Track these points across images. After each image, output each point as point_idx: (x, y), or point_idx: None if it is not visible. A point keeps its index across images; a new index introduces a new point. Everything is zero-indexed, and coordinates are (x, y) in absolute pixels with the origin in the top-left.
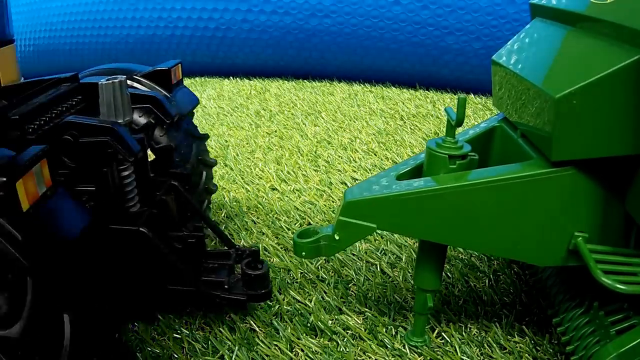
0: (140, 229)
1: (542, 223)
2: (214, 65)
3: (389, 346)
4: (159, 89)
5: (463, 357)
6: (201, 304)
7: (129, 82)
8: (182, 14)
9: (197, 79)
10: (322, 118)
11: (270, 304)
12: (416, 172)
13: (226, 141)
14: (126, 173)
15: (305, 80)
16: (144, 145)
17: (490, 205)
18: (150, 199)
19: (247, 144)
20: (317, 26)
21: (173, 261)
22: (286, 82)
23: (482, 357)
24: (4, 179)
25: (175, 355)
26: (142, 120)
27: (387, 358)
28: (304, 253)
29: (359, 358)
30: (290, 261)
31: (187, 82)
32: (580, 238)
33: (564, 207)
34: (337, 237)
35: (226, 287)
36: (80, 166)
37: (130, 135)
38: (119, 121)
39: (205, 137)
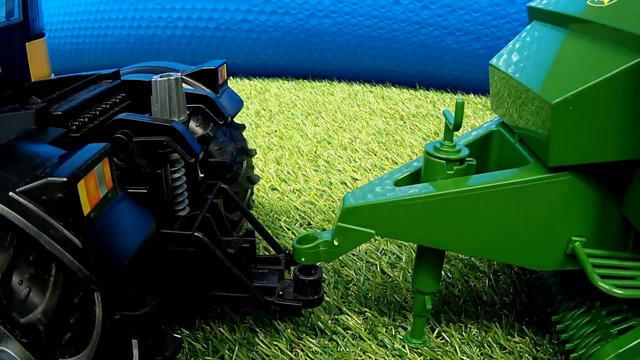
0: (195, 233)
1: (539, 228)
2: None
3: (389, 346)
4: (205, 88)
5: (463, 357)
6: (253, 310)
7: None
8: (182, 14)
9: None
10: (322, 118)
11: None
12: (414, 177)
13: None
14: (177, 175)
15: (305, 80)
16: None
17: (488, 211)
18: (201, 202)
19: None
20: (317, 26)
21: (229, 267)
22: (286, 82)
23: (482, 357)
24: (64, 179)
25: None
26: (200, 130)
27: (387, 358)
28: (303, 259)
29: (359, 358)
30: None
31: None
32: (578, 242)
33: (562, 212)
34: (336, 243)
35: (280, 293)
36: (133, 167)
37: (190, 135)
38: (175, 120)
39: (242, 127)
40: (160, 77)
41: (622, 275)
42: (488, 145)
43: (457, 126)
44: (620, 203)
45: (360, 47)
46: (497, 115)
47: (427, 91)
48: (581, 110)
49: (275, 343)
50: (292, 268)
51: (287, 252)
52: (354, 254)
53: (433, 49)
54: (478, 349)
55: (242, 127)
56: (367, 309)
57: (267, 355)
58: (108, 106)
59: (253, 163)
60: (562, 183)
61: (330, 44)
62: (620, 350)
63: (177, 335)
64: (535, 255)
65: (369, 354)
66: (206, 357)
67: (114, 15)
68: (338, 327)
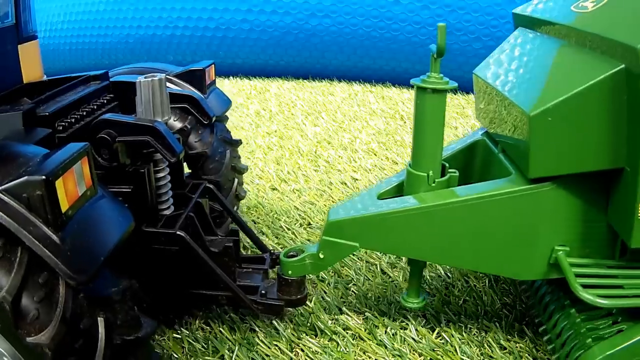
0: (178, 232)
1: (522, 238)
2: None
3: (389, 346)
4: (193, 89)
5: (463, 357)
6: (236, 308)
7: None
8: (182, 14)
9: None
10: (322, 118)
11: None
12: (397, 190)
13: None
14: (161, 174)
15: (305, 80)
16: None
17: (470, 223)
18: (185, 202)
19: (247, 144)
20: (317, 26)
21: (211, 265)
22: (286, 82)
23: (482, 357)
24: (43, 177)
25: (175, 355)
26: (178, 123)
27: (387, 358)
28: (290, 272)
29: (359, 358)
30: None
31: None
32: (561, 252)
33: (544, 222)
34: (321, 256)
35: (263, 292)
36: (116, 166)
37: (172, 135)
38: (159, 120)
39: (239, 142)
40: (145, 78)
41: (607, 284)
42: (473, 156)
43: (440, 52)
44: (605, 211)
45: (360, 47)
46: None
47: None
48: (560, 120)
49: (275, 343)
50: (276, 267)
51: (272, 251)
52: (353, 254)
53: None
54: (478, 349)
55: (225, 118)
56: (367, 309)
57: (267, 355)
58: (95, 107)
59: (240, 153)
60: (544, 194)
61: (330, 44)
62: (607, 353)
63: (153, 320)
64: (519, 265)
65: (369, 354)
66: (206, 357)
67: (114, 15)
68: (338, 327)
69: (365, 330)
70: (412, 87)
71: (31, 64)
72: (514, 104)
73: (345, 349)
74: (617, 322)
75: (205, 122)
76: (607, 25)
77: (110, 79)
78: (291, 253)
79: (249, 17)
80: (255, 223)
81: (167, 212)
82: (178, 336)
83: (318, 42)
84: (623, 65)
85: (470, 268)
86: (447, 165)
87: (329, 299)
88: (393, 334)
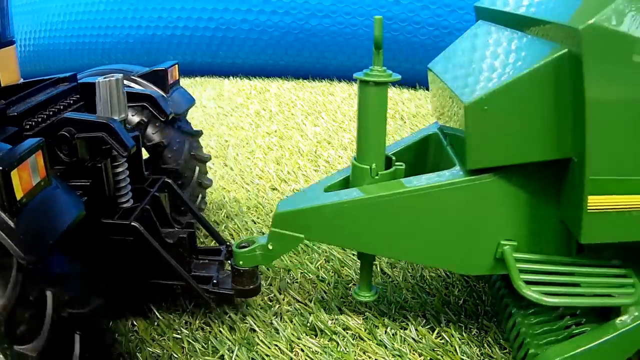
0: (132, 223)
1: (466, 232)
2: (214, 65)
3: (389, 346)
4: (155, 88)
5: (463, 357)
6: (191, 298)
7: (125, 81)
8: (182, 14)
9: (197, 79)
10: (322, 118)
11: (270, 303)
12: (344, 183)
13: (226, 141)
14: (120, 169)
15: (305, 80)
16: (139, 142)
17: (412, 215)
18: (144, 195)
19: (247, 144)
20: (317, 26)
21: (164, 256)
22: (286, 82)
23: (482, 357)
24: (0, 167)
25: (175, 355)
26: (136, 118)
27: (387, 358)
28: (241, 262)
29: (359, 358)
30: (291, 261)
31: (187, 81)
32: (508, 247)
33: (487, 215)
34: (270, 247)
35: (215, 281)
36: (76, 161)
37: (125, 131)
38: (115, 118)
39: (199, 133)
40: (104, 78)
41: (556, 281)
42: (426, 149)
43: (377, 44)
44: (557, 205)
45: (360, 47)
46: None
47: (427, 91)
48: (497, 109)
49: (275, 343)
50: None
51: (228, 244)
52: (353, 254)
53: (433, 49)
54: (478, 349)
55: (199, 133)
56: (367, 309)
57: (267, 355)
58: (62, 107)
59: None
60: (484, 186)
61: (330, 44)
62: (562, 357)
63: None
64: (464, 260)
65: (369, 354)
66: (206, 357)
67: (114, 15)
68: (338, 327)
69: (365, 330)
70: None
71: (8, 68)
72: (455, 95)
73: (345, 349)
74: (581, 324)
75: (162, 119)
76: (551, 9)
77: (79, 81)
78: (243, 244)
79: (249, 17)
80: (255, 223)
81: (126, 205)
82: (178, 336)
83: (318, 42)
84: (566, 50)
85: (416, 261)
86: (393, 158)
87: (329, 299)
88: (393, 334)
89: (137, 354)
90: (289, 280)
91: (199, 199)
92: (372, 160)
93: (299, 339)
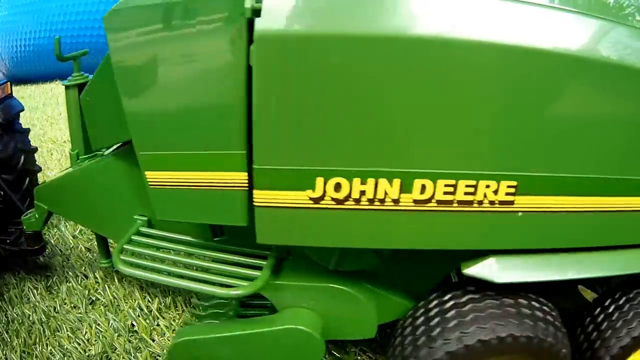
0: None
1: (112, 206)
2: None
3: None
4: None
5: None
6: None
7: None
8: None
9: None
10: None
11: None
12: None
13: None
14: None
15: None
16: None
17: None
18: None
19: None
20: None
21: None
22: None
23: None
24: None
25: None
26: None
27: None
28: (25, 227)
29: (359, 358)
30: None
31: None
32: (139, 221)
33: (121, 191)
34: (37, 216)
35: (8, 241)
36: None
37: None
38: None
39: (27, 131)
40: None
41: (158, 256)
42: None
43: (59, 58)
44: None
45: None
46: None
47: None
48: (91, 99)
49: None
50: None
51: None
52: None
53: None
54: None
55: (27, 131)
56: None
57: None
58: None
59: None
60: (110, 163)
61: None
62: (192, 337)
63: None
64: (116, 230)
65: (369, 354)
66: None
67: None
68: None
69: None
70: None
71: None
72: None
73: (345, 349)
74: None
75: None
76: None
77: None
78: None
79: None
80: None
81: None
82: None
83: None
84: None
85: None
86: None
87: None
88: None
89: (137, 354)
90: None
91: (26, 183)
92: (76, 147)
93: None
